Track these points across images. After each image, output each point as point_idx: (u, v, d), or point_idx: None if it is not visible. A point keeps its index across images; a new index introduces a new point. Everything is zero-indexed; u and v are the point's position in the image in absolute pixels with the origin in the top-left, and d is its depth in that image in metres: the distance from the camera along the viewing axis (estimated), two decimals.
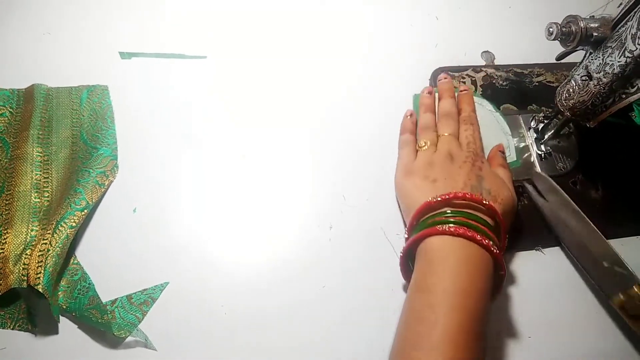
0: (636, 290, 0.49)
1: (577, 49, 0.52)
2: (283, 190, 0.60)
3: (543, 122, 0.64)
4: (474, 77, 0.69)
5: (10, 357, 0.48)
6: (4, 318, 0.50)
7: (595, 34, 0.50)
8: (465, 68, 0.70)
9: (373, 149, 0.63)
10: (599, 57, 0.51)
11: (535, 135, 0.65)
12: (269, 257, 0.56)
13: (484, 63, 0.72)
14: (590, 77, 0.53)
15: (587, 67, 0.53)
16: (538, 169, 0.64)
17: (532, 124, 0.66)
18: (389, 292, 0.54)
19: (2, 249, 0.50)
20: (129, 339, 0.50)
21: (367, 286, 0.55)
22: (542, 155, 0.64)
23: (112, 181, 0.57)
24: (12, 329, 0.49)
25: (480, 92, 0.68)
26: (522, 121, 0.67)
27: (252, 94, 0.65)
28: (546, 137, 0.64)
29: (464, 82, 0.68)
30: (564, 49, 0.53)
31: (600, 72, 0.51)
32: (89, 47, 0.65)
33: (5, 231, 0.51)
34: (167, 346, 0.50)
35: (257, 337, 0.52)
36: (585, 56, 0.54)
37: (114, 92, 0.62)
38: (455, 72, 0.69)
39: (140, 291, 0.52)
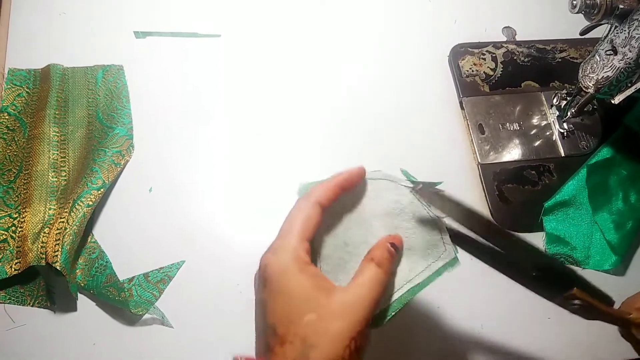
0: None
1: (602, 22, 0.50)
2: (298, 170, 0.59)
3: (565, 99, 0.62)
4: (494, 53, 0.67)
5: (30, 333, 0.49)
6: (23, 295, 0.51)
7: (620, 6, 0.48)
8: (486, 44, 0.68)
9: (388, 127, 0.62)
10: (625, 31, 0.49)
11: (557, 113, 0.63)
12: None
13: (505, 39, 0.70)
14: (615, 52, 0.51)
15: (612, 41, 0.51)
16: (560, 148, 0.62)
17: (555, 101, 0.64)
18: None
19: (20, 227, 0.51)
20: (146, 316, 0.50)
21: None
22: (565, 133, 0.63)
23: (128, 160, 0.57)
24: (32, 306, 0.50)
25: (500, 73, 0.66)
26: (544, 98, 0.65)
27: (266, 73, 0.64)
28: (569, 114, 0.62)
29: (484, 59, 0.67)
30: (588, 23, 0.52)
31: (626, 46, 0.49)
32: (104, 27, 0.65)
33: (23, 210, 0.52)
34: (183, 323, 0.51)
35: None
36: (610, 30, 0.52)
37: (128, 72, 0.62)
38: (475, 48, 0.67)
39: (157, 269, 0.53)
